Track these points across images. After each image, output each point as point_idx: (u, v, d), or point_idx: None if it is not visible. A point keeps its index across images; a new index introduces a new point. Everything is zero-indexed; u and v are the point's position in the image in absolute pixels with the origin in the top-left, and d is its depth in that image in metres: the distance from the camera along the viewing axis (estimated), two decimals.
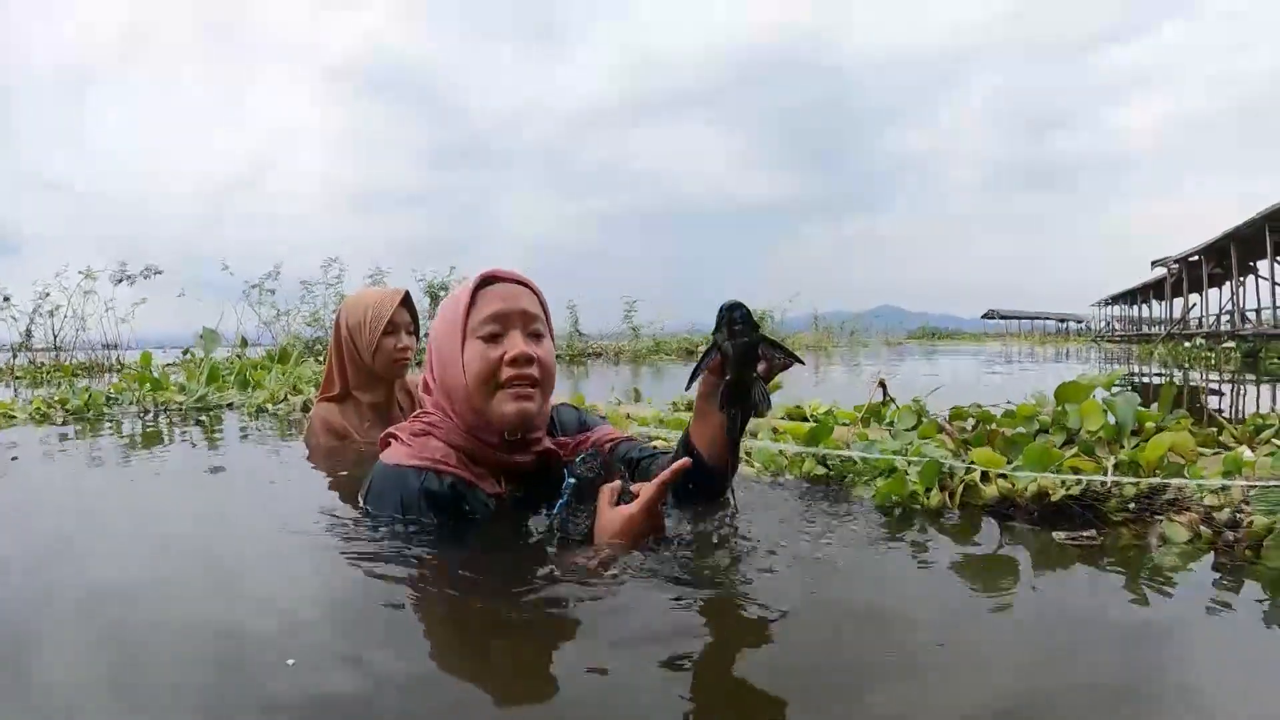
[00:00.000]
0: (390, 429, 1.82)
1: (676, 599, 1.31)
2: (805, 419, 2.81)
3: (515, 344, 1.66)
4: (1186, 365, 11.15)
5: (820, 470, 2.18)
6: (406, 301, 2.93)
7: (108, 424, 4.25)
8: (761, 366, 1.52)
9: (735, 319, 1.48)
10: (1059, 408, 2.28)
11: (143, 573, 1.65)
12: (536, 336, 1.72)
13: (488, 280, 1.73)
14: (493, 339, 1.67)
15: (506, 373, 1.65)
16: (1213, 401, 5.62)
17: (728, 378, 1.51)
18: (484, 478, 1.74)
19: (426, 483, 1.66)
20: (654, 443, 2.18)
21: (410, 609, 1.34)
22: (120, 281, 13.57)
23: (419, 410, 1.82)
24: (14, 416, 4.47)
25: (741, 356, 1.49)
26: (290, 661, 1.12)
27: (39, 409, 4.65)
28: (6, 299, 13.61)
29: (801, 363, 1.61)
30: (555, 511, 1.62)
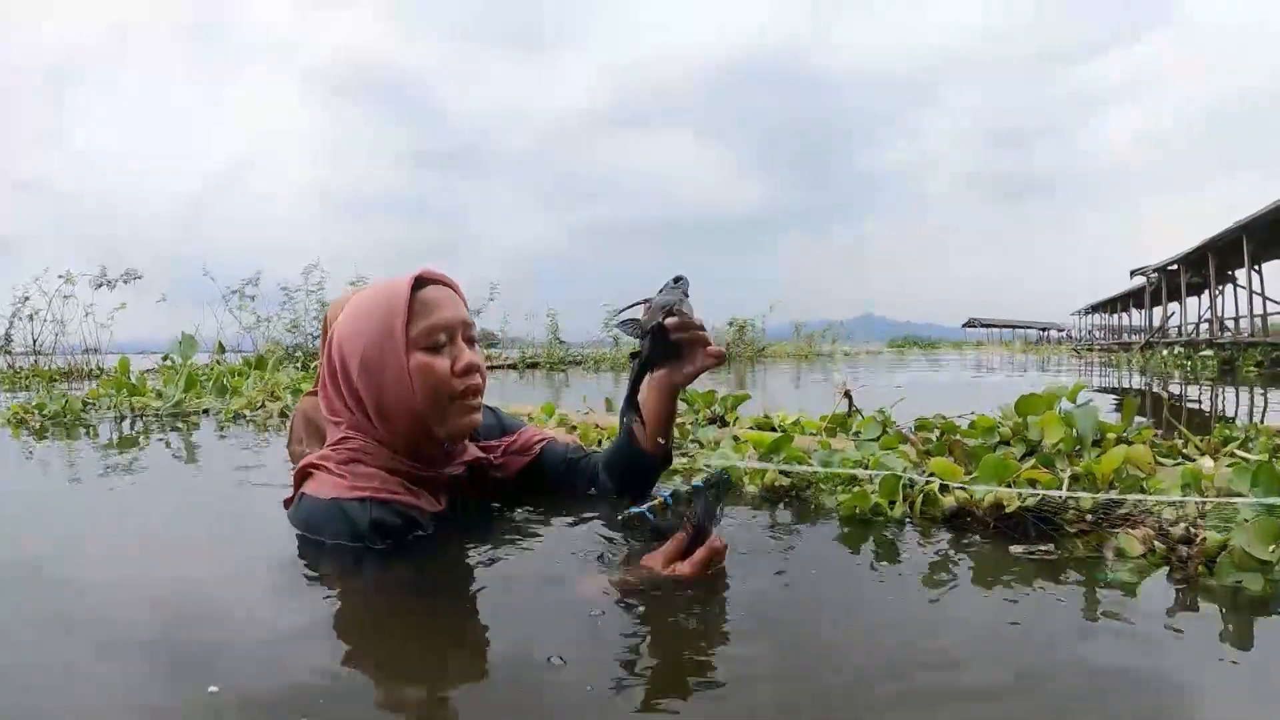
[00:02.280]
0: (309, 459, 1.66)
1: (639, 606, 1.33)
2: (773, 429, 2.83)
3: (464, 354, 1.62)
4: (1164, 373, 11.22)
5: (784, 480, 2.18)
6: None
7: (82, 430, 4.24)
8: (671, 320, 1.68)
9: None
10: (1020, 420, 2.30)
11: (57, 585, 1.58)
12: (470, 342, 1.67)
13: (418, 283, 1.64)
14: (436, 349, 1.60)
15: (457, 384, 1.60)
16: (1181, 410, 5.65)
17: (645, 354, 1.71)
18: (422, 497, 1.66)
19: (374, 513, 1.55)
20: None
21: (372, 629, 1.34)
22: (100, 286, 13.51)
23: (341, 436, 1.67)
24: None
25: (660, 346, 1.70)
26: (212, 689, 1.05)
27: (16, 414, 4.66)
28: None
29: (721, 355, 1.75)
30: (650, 513, 1.56)
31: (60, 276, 13.34)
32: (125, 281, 13.52)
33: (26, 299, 13.44)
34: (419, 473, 1.66)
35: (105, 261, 13.45)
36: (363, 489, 1.57)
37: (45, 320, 13.46)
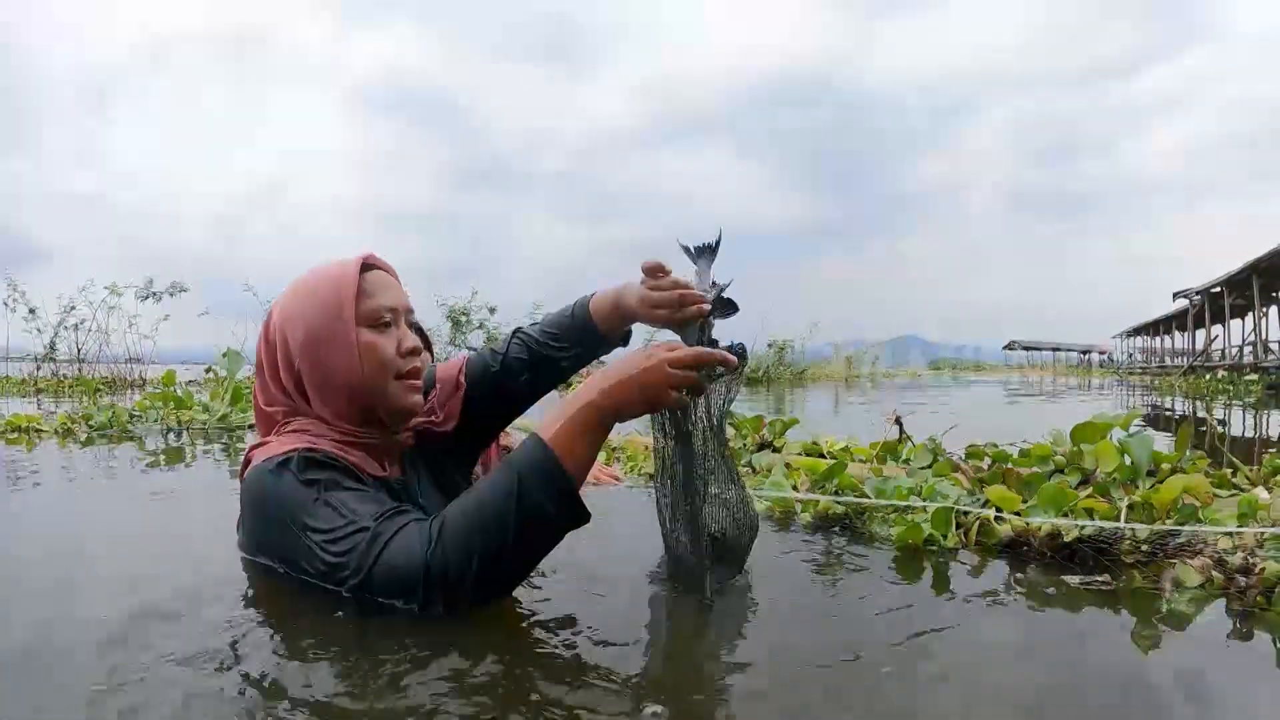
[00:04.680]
0: (249, 448, 1.61)
1: (683, 632, 1.34)
2: (821, 455, 2.82)
3: (408, 336, 1.62)
4: (1208, 399, 11.04)
5: (837, 509, 2.17)
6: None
7: (130, 442, 4.32)
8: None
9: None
10: (1074, 448, 2.29)
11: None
12: (413, 328, 1.67)
13: (365, 266, 1.63)
14: (384, 329, 1.59)
15: (403, 364, 1.59)
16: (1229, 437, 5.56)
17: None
18: (366, 460, 1.60)
19: (304, 455, 1.47)
20: None
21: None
22: (146, 298, 13.77)
23: (280, 424, 1.63)
24: (42, 431, 4.59)
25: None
26: None
27: (63, 424, 4.76)
28: (32, 311, 13.84)
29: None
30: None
31: (106, 288, 13.62)
32: (170, 295, 13.79)
33: (72, 309, 13.72)
34: (360, 439, 1.61)
35: (145, 273, 13.73)
36: (296, 445, 1.51)
37: (90, 330, 13.74)
